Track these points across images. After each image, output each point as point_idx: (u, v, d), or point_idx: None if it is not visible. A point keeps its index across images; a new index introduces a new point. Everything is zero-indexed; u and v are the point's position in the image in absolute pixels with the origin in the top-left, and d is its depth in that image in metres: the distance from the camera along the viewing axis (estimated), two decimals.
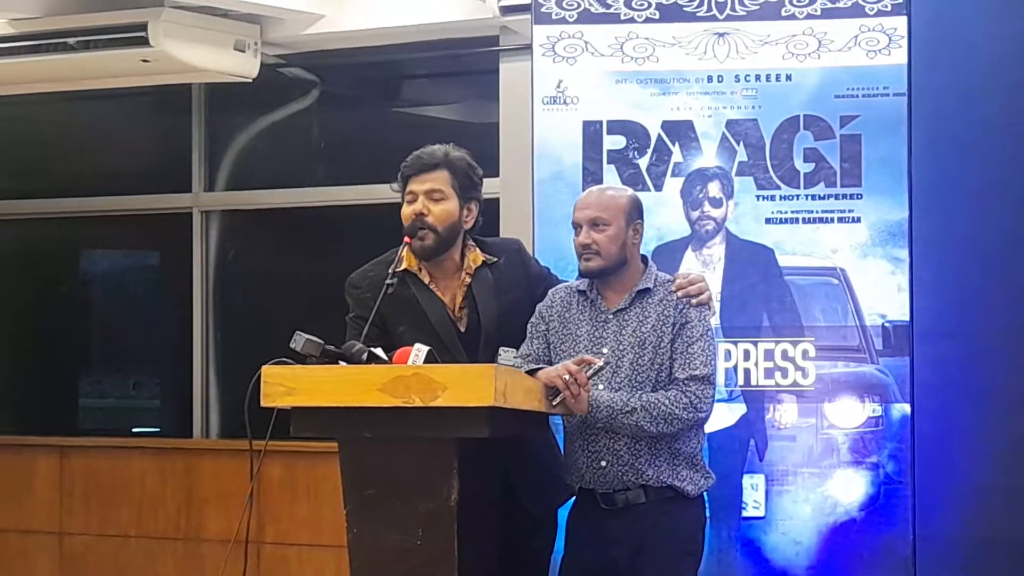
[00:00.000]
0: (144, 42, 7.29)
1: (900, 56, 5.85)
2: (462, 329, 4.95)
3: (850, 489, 5.83)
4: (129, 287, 9.64)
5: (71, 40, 7.47)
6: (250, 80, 7.77)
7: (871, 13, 5.88)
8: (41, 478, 8.68)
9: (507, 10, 7.07)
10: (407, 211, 4.95)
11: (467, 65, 7.86)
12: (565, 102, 6.03)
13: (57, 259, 9.32)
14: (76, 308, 9.39)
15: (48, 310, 9.25)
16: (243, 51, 7.65)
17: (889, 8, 5.87)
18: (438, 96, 8.38)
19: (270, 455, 7.65)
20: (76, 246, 9.40)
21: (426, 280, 4.97)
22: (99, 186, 8.90)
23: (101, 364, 9.48)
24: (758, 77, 5.95)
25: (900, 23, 5.85)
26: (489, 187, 7.16)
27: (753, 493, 5.86)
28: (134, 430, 9.13)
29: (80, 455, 8.62)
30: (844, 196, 5.88)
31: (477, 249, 5.03)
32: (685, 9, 5.97)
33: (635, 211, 4.88)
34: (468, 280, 4.97)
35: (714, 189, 5.95)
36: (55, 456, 8.64)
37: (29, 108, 8.69)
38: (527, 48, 6.27)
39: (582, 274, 4.90)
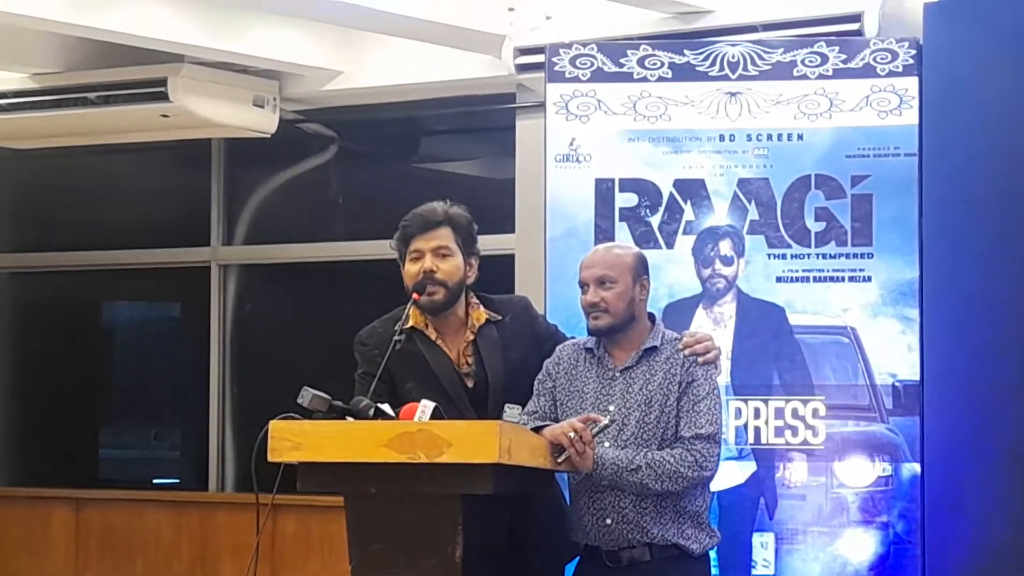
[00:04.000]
0: (164, 97, 7.39)
1: (911, 116, 5.88)
2: (469, 385, 4.95)
3: (860, 548, 5.83)
4: (149, 339, 9.70)
5: (91, 95, 7.56)
6: (269, 135, 7.85)
7: (882, 74, 5.91)
8: (57, 529, 8.71)
9: (523, 68, 7.11)
10: (413, 269, 4.95)
11: (484, 122, 7.92)
12: (578, 160, 6.06)
13: (78, 311, 9.39)
14: (97, 360, 9.44)
15: (69, 362, 9.30)
16: (262, 107, 7.73)
17: (900, 69, 5.90)
18: (456, 152, 8.44)
19: (285, 509, 7.77)
20: (97, 298, 9.47)
21: (433, 336, 4.98)
22: (120, 239, 8.98)
23: (121, 415, 9.53)
24: (770, 136, 5.98)
25: (911, 83, 5.89)
26: (506, 243, 7.28)
27: (763, 551, 5.86)
28: (154, 481, 9.17)
29: (96, 507, 8.65)
30: (855, 255, 5.90)
31: (481, 307, 5.04)
32: (697, 69, 6.00)
33: (641, 268, 4.89)
34: (472, 337, 4.99)
35: (725, 247, 5.97)
36: (71, 508, 8.67)
37: (51, 162, 8.79)
38: (542, 106, 6.30)
39: (591, 332, 4.90)
